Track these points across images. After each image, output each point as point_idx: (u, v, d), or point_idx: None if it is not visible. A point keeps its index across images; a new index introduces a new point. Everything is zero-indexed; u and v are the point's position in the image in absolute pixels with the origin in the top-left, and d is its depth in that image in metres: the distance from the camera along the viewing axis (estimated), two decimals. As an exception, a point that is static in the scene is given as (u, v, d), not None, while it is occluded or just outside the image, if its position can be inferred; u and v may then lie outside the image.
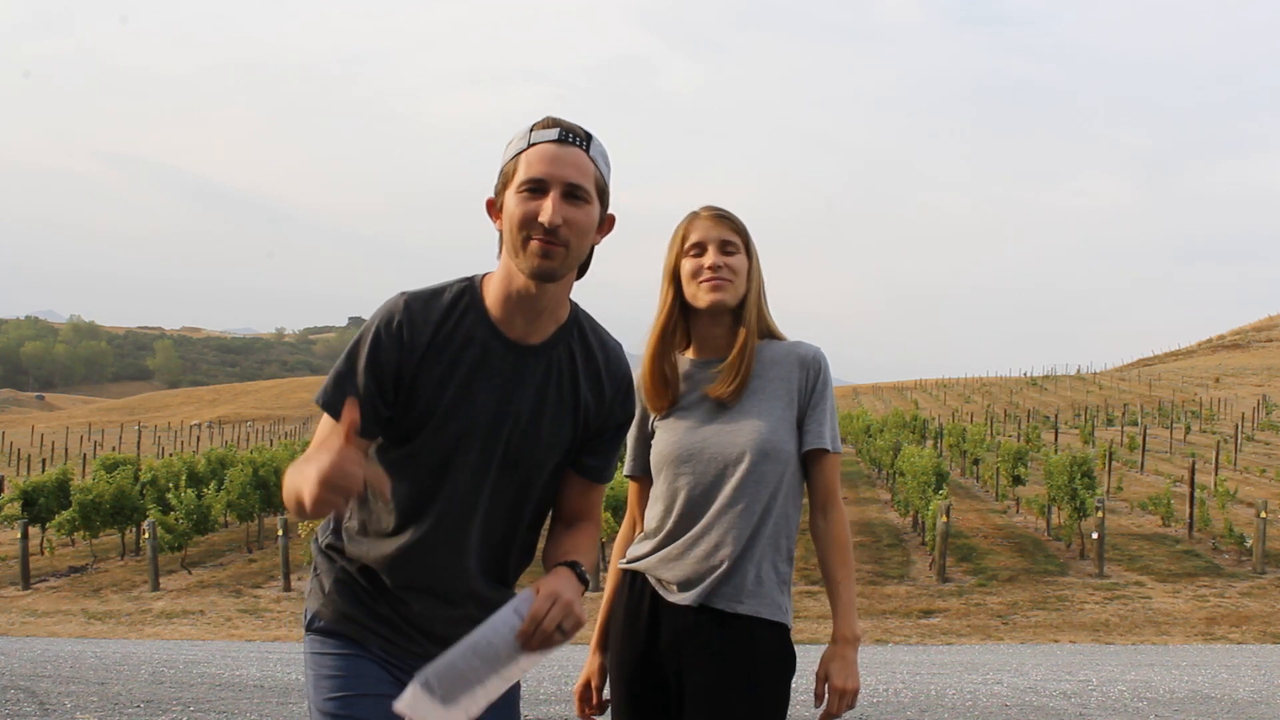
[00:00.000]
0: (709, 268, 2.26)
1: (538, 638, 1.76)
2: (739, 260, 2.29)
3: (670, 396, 2.30)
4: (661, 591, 2.26)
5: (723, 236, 2.29)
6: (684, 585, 2.23)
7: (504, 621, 1.78)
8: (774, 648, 2.23)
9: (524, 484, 2.00)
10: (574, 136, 1.88)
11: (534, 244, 1.85)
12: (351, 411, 1.67)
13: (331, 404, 1.90)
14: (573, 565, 1.89)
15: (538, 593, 1.80)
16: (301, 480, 1.65)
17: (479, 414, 1.92)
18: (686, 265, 2.30)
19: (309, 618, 2.03)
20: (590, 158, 1.89)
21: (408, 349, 1.89)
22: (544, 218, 1.82)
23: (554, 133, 1.88)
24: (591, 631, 2.44)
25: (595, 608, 2.41)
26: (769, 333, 2.35)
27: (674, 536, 2.26)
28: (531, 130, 1.90)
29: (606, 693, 2.37)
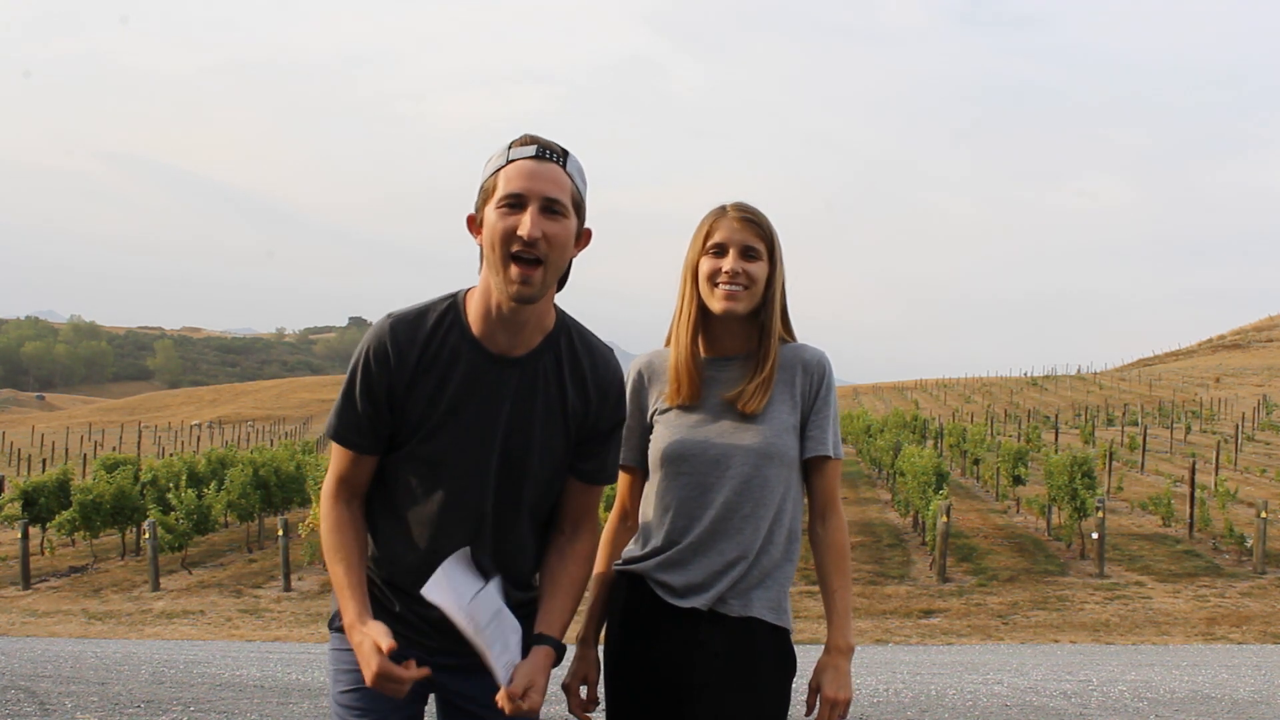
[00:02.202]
0: (726, 272, 2.20)
1: (506, 703, 1.98)
2: (759, 267, 2.22)
3: (696, 389, 2.25)
4: (662, 594, 2.22)
5: (746, 241, 2.22)
6: (689, 590, 2.20)
7: (499, 637, 2.01)
8: (775, 650, 2.21)
9: (526, 492, 2.08)
10: (551, 153, 1.95)
11: (513, 269, 1.92)
12: (387, 639, 1.93)
13: (338, 435, 2.06)
14: (554, 644, 2.07)
15: (516, 671, 2.00)
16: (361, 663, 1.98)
17: (469, 427, 2.01)
18: (705, 265, 2.23)
19: (332, 616, 2.16)
20: (567, 173, 1.96)
21: (396, 371, 2.00)
22: (523, 231, 1.89)
23: (531, 149, 1.95)
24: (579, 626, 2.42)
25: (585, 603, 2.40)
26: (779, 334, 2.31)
27: (674, 538, 2.22)
28: (510, 148, 1.97)
29: (599, 688, 2.34)
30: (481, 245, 1.99)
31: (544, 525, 2.17)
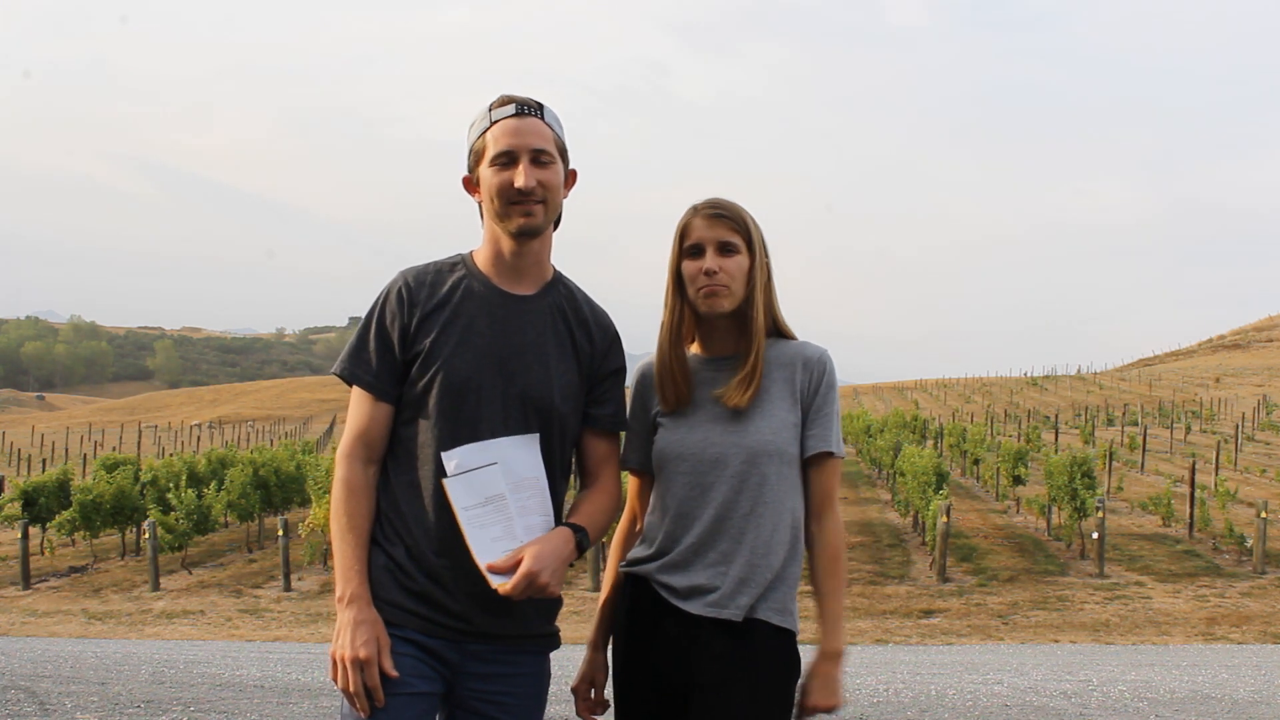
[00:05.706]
0: (705, 273, 2.19)
1: (514, 585, 2.00)
2: (737, 262, 2.21)
3: (682, 394, 2.24)
4: (665, 595, 2.21)
5: (720, 237, 2.20)
6: (692, 593, 2.18)
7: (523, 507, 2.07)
8: (779, 653, 2.19)
9: (547, 430, 2.14)
10: (529, 108, 2.12)
11: (516, 207, 2.09)
12: (390, 664, 2.01)
13: (348, 371, 2.13)
14: (576, 529, 2.11)
15: (532, 547, 2.03)
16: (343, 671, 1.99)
17: (486, 355, 2.11)
18: (686, 268, 2.23)
19: None
20: (546, 123, 2.13)
21: (409, 307, 2.12)
22: (519, 183, 2.06)
23: (511, 108, 2.11)
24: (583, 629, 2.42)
25: (594, 606, 2.40)
26: (777, 330, 2.29)
27: (674, 539, 2.21)
28: (491, 110, 2.13)
29: (606, 691, 2.34)
30: (480, 202, 2.16)
31: (565, 475, 2.23)
